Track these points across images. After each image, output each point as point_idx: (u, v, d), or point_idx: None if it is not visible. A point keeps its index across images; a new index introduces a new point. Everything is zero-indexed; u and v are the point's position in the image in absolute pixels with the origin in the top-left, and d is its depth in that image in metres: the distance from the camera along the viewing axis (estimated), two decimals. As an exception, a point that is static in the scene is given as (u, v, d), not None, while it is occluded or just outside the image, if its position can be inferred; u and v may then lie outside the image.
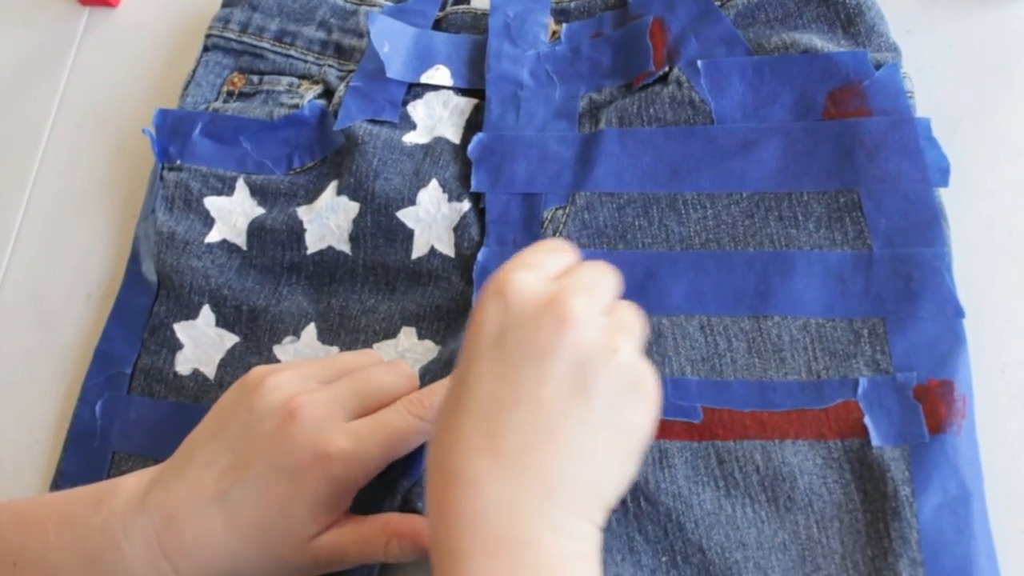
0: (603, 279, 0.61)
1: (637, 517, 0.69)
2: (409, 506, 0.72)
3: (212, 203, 0.88)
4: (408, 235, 0.82)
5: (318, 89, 0.91)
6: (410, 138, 0.86)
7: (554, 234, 0.79)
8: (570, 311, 0.57)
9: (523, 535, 0.54)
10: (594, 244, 0.78)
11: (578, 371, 0.56)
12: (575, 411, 0.56)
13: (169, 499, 0.67)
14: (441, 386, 0.73)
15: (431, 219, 0.82)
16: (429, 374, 0.78)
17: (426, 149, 0.85)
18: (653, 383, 0.59)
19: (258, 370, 0.71)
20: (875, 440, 0.67)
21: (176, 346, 0.84)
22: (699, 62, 0.81)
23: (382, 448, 0.69)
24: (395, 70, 0.88)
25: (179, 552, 0.66)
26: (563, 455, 0.56)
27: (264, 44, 0.94)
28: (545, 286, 0.59)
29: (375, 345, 0.81)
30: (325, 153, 0.88)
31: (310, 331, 0.83)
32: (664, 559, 0.68)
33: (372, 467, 0.69)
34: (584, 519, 0.56)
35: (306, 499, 0.67)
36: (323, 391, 0.69)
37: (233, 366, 0.83)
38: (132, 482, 0.69)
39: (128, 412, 0.84)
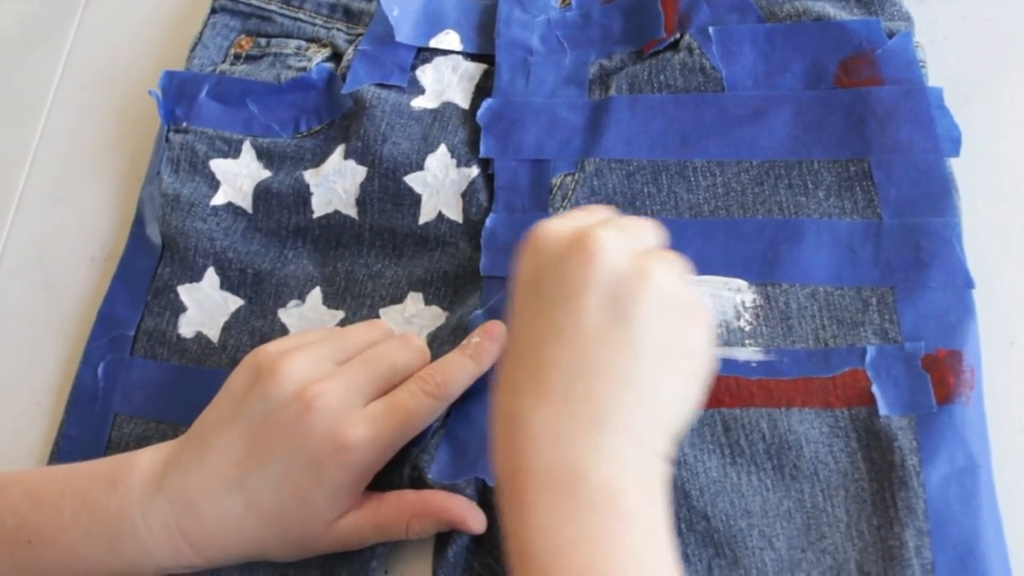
0: (638, 223, 0.62)
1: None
2: (416, 472, 0.72)
3: (218, 166, 0.88)
4: (416, 200, 0.82)
5: (326, 52, 0.91)
6: (419, 103, 0.86)
7: (563, 201, 0.78)
8: (596, 241, 0.58)
9: (574, 465, 0.54)
10: (603, 210, 0.77)
11: (612, 298, 0.57)
12: (616, 337, 0.57)
13: (187, 483, 0.67)
14: (451, 359, 0.73)
15: (439, 184, 0.82)
16: (437, 340, 0.77)
17: (435, 114, 0.85)
18: (699, 303, 0.60)
19: (269, 351, 0.71)
20: (882, 409, 0.67)
21: (180, 308, 0.84)
22: (710, 29, 0.80)
23: (398, 432, 0.69)
24: (404, 34, 0.87)
25: (199, 536, 0.67)
26: (609, 382, 0.56)
27: (272, 7, 0.94)
28: (571, 226, 0.60)
29: (381, 310, 0.81)
30: (332, 117, 0.88)
31: (315, 295, 0.82)
32: (668, 526, 0.68)
33: (389, 451, 0.69)
34: (641, 447, 0.56)
35: (325, 487, 0.67)
36: (338, 377, 0.69)
37: (237, 329, 0.83)
38: (147, 460, 0.69)
39: (130, 374, 0.83)
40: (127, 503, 0.67)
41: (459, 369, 0.73)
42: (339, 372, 0.70)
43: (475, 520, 0.70)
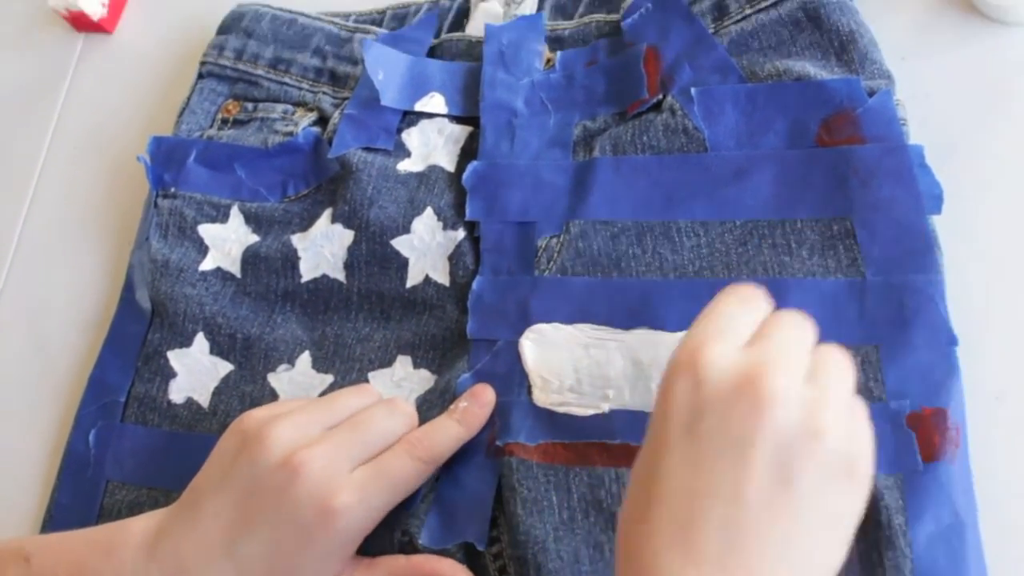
0: (798, 333, 0.58)
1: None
2: (407, 537, 0.72)
3: (206, 231, 0.88)
4: (403, 263, 0.82)
5: (312, 116, 0.91)
6: (405, 166, 0.86)
7: (548, 263, 0.78)
8: (768, 392, 0.53)
9: None
10: (588, 272, 0.77)
11: (780, 460, 0.52)
12: (778, 504, 0.52)
13: (179, 551, 0.67)
14: (439, 423, 0.73)
15: (426, 247, 0.82)
16: (426, 404, 0.78)
17: (421, 177, 0.85)
18: (865, 463, 0.55)
19: (256, 417, 0.71)
20: (869, 468, 0.67)
21: (170, 374, 0.84)
22: (692, 90, 0.80)
23: (386, 497, 0.69)
24: (390, 97, 0.88)
25: None
26: (766, 553, 0.51)
27: (259, 71, 0.94)
28: (739, 360, 0.55)
29: (370, 374, 0.81)
30: (319, 181, 0.88)
31: (304, 359, 0.83)
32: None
33: (377, 516, 0.69)
34: None
35: (314, 553, 0.67)
36: (324, 443, 0.69)
37: (227, 394, 0.83)
38: (140, 528, 0.70)
39: (122, 441, 0.84)
40: (122, 572, 0.67)
41: (447, 433, 0.73)
42: (326, 438, 0.70)
43: None
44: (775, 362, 0.54)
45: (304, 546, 0.67)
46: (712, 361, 0.55)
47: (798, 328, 0.58)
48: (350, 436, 0.70)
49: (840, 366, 0.57)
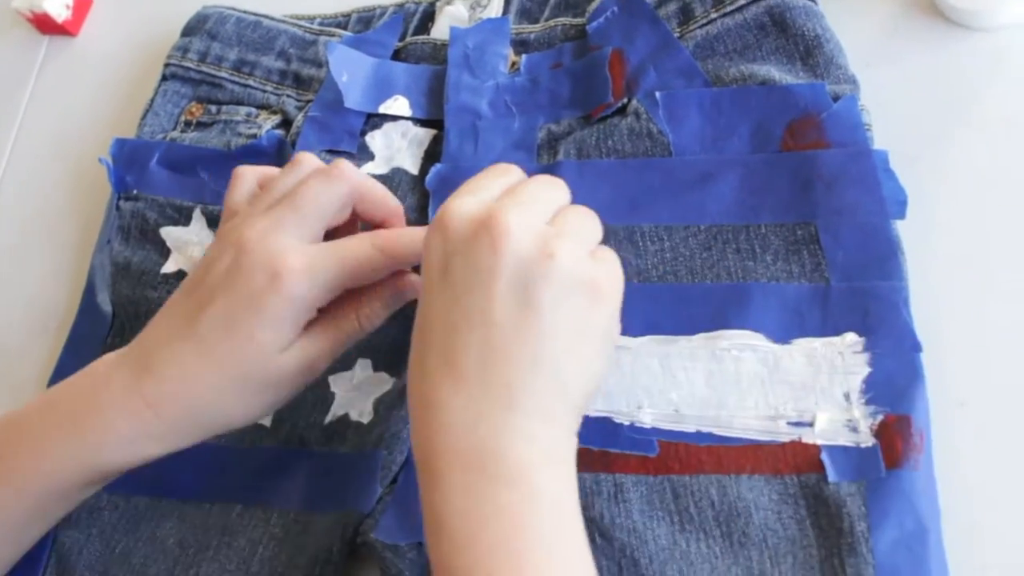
0: (546, 192, 0.66)
1: (591, 552, 0.68)
2: (362, 538, 0.72)
3: (168, 233, 0.87)
4: (365, 266, 0.82)
5: (276, 119, 0.91)
6: (368, 169, 0.86)
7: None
8: (502, 226, 0.60)
9: (490, 446, 0.58)
10: (551, 276, 0.77)
11: (520, 283, 0.59)
12: (524, 323, 0.59)
13: (143, 347, 0.71)
14: (409, 230, 0.75)
15: (388, 250, 0.81)
16: (383, 405, 0.77)
17: (384, 180, 0.85)
18: (609, 285, 0.63)
19: (235, 225, 0.73)
20: (831, 475, 0.66)
21: (130, 378, 0.83)
22: (657, 94, 0.80)
23: (336, 268, 0.70)
24: (353, 100, 0.87)
25: (159, 396, 0.69)
26: (519, 366, 0.59)
27: (222, 74, 0.94)
28: (480, 207, 0.62)
29: (331, 377, 0.80)
30: (283, 184, 0.88)
31: (265, 363, 0.82)
32: (618, 595, 0.67)
33: (327, 285, 0.71)
34: (551, 424, 0.60)
35: (268, 319, 0.69)
36: (263, 218, 0.71)
37: (187, 398, 0.82)
38: (110, 356, 0.73)
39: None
40: (92, 380, 0.71)
41: (412, 238, 0.73)
42: (266, 214, 0.72)
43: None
44: (511, 204, 0.62)
45: (257, 314, 0.69)
46: (456, 212, 0.62)
47: (546, 185, 0.66)
48: (289, 209, 0.72)
49: (581, 216, 0.65)
